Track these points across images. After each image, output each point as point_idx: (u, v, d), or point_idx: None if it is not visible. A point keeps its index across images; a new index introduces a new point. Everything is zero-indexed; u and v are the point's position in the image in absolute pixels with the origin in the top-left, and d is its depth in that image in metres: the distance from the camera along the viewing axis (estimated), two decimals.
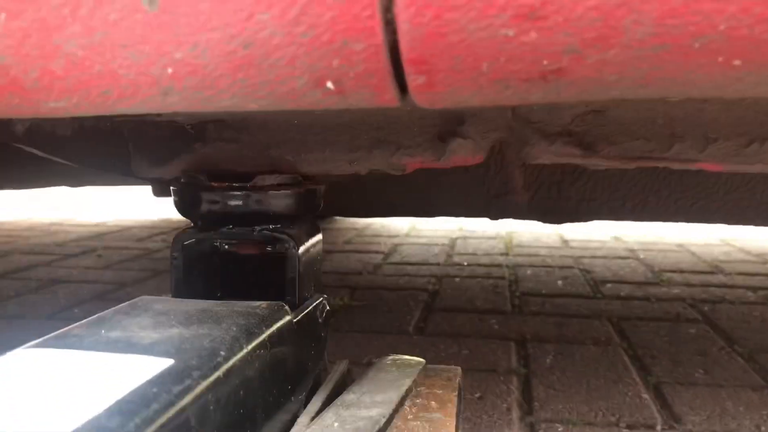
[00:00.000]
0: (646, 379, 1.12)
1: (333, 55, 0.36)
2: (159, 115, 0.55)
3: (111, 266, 1.95)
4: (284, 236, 0.61)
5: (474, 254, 2.23)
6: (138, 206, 3.14)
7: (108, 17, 0.35)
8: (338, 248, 2.31)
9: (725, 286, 1.82)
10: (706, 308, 1.57)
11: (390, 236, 2.58)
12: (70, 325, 0.47)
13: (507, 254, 2.24)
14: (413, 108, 0.41)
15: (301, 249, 0.61)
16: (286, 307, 0.56)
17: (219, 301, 0.54)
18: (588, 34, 0.32)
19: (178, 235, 0.62)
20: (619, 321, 1.46)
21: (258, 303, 0.54)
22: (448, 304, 1.59)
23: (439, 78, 0.36)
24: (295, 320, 0.57)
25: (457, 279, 1.85)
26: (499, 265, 2.05)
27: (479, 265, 2.05)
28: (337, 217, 2.76)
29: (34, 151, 0.53)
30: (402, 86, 0.38)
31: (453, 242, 2.46)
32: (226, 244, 0.63)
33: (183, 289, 0.61)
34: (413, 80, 0.37)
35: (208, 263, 0.63)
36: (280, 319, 0.54)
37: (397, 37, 0.35)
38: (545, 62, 0.34)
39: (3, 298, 1.57)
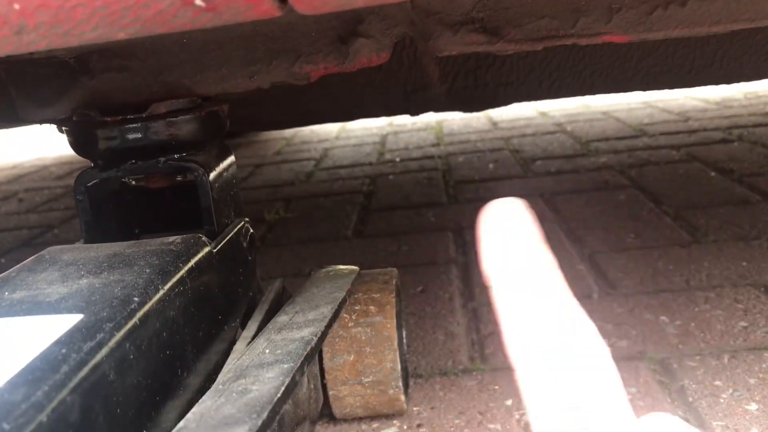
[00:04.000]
0: (581, 250, 1.15)
1: None
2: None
3: (35, 209, 1.88)
4: (192, 164, 0.58)
5: (406, 149, 2.22)
6: (53, 141, 3.01)
7: None
8: (268, 160, 2.27)
9: (650, 148, 1.86)
10: (633, 173, 1.61)
11: (320, 141, 2.54)
12: None
13: (438, 144, 2.24)
14: (298, 16, 0.39)
15: (212, 175, 0.59)
16: (204, 238, 0.54)
17: (131, 242, 0.52)
18: None
19: (79, 175, 0.59)
20: (552, 196, 1.48)
21: (173, 238, 0.52)
22: (385, 203, 1.59)
23: None
24: (215, 250, 0.55)
25: (391, 176, 1.84)
26: (431, 157, 2.05)
27: (412, 159, 2.05)
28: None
29: None
30: None
31: (384, 139, 2.44)
32: (132, 180, 0.60)
33: (95, 233, 0.59)
34: None
35: (116, 202, 0.61)
36: (198, 251, 0.52)
37: None
38: None
39: None
